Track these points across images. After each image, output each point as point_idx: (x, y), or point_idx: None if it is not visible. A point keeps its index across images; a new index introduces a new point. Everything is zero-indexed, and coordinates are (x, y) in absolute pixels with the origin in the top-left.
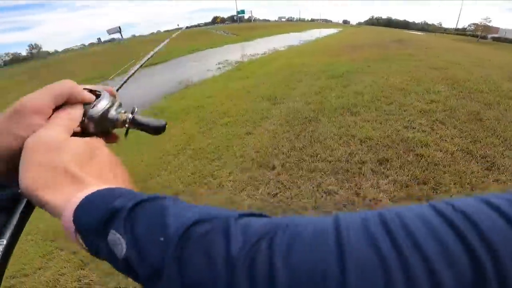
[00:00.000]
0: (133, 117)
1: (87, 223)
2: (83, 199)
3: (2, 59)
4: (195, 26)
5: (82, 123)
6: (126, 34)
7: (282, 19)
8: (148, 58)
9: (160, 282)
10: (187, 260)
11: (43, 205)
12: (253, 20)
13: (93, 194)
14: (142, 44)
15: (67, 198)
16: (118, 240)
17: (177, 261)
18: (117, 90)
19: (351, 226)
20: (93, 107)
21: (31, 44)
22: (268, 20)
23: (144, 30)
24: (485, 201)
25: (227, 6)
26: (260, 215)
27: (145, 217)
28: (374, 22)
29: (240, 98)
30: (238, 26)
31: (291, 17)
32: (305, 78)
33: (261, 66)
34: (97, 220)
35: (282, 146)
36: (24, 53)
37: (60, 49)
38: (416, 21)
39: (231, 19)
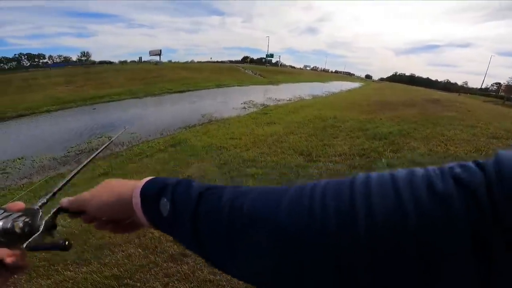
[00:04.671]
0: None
1: (150, 192)
2: (147, 181)
3: (53, 60)
4: (227, 62)
5: None
6: (164, 58)
7: (307, 68)
8: (94, 156)
9: (187, 231)
10: (200, 208)
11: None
12: (280, 65)
13: (152, 179)
14: (174, 69)
15: (133, 185)
16: (165, 203)
17: (196, 214)
18: (55, 193)
19: (295, 187)
20: None
21: (83, 52)
22: (294, 67)
23: (180, 57)
24: (391, 174)
25: (259, 49)
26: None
27: (180, 189)
28: (397, 78)
29: (268, 146)
30: (266, 68)
31: (315, 66)
32: (341, 134)
33: (289, 113)
34: (155, 191)
35: None
36: (74, 58)
37: (106, 61)
38: (439, 79)
39: (259, 61)
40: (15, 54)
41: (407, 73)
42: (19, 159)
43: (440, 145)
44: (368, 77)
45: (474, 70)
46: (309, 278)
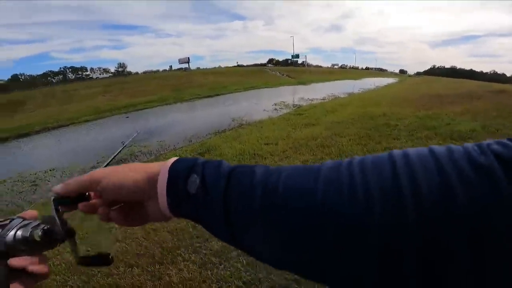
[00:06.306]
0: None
1: (179, 169)
2: (176, 159)
3: (94, 72)
4: (252, 65)
5: None
6: (192, 66)
7: (335, 66)
8: (108, 163)
9: (217, 211)
10: (231, 186)
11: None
12: (307, 65)
13: (180, 158)
14: (203, 75)
15: (160, 164)
16: (194, 180)
17: (228, 192)
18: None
19: (329, 164)
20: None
21: (120, 63)
22: (321, 66)
23: (208, 64)
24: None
25: (283, 51)
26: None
27: (210, 167)
28: (436, 71)
29: (311, 152)
30: (293, 69)
31: (344, 64)
32: (402, 134)
33: (327, 113)
34: (184, 168)
35: None
36: (112, 69)
37: (140, 71)
38: (484, 71)
39: (285, 62)
40: (60, 68)
41: (447, 66)
42: (50, 170)
43: None
44: (402, 72)
45: None
46: (350, 263)
